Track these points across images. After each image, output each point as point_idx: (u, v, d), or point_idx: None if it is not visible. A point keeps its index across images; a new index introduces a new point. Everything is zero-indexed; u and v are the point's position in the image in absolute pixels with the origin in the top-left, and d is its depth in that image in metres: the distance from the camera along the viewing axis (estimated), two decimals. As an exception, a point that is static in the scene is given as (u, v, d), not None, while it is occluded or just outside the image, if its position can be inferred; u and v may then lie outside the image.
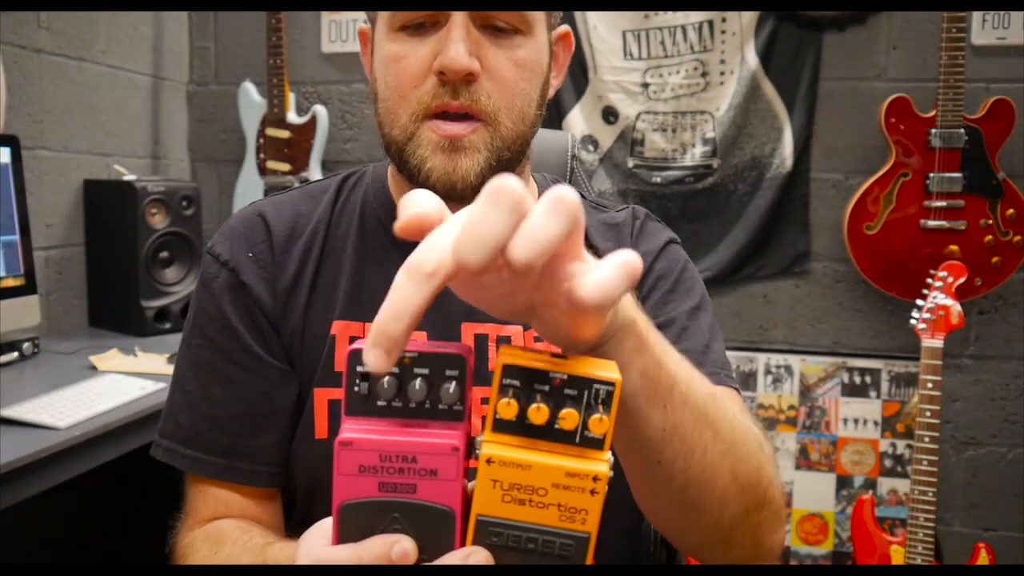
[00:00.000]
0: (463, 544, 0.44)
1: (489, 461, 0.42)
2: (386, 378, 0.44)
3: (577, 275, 0.40)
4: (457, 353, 0.44)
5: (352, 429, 0.44)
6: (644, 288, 0.85)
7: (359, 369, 0.44)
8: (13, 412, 1.34)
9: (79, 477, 1.36)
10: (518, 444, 0.43)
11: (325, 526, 0.47)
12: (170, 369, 1.70)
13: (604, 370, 0.43)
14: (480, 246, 0.37)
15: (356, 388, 0.44)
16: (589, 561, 0.42)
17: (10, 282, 1.70)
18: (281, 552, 0.69)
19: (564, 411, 0.42)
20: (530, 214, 0.38)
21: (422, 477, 0.43)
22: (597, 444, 0.42)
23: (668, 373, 0.53)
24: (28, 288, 1.74)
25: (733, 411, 0.61)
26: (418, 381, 0.44)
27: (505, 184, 0.37)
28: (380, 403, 0.44)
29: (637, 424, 0.53)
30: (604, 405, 0.42)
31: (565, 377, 0.42)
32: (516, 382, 0.42)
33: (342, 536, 0.44)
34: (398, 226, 0.41)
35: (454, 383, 0.44)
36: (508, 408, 0.42)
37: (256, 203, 0.88)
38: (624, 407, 0.52)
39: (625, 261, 0.40)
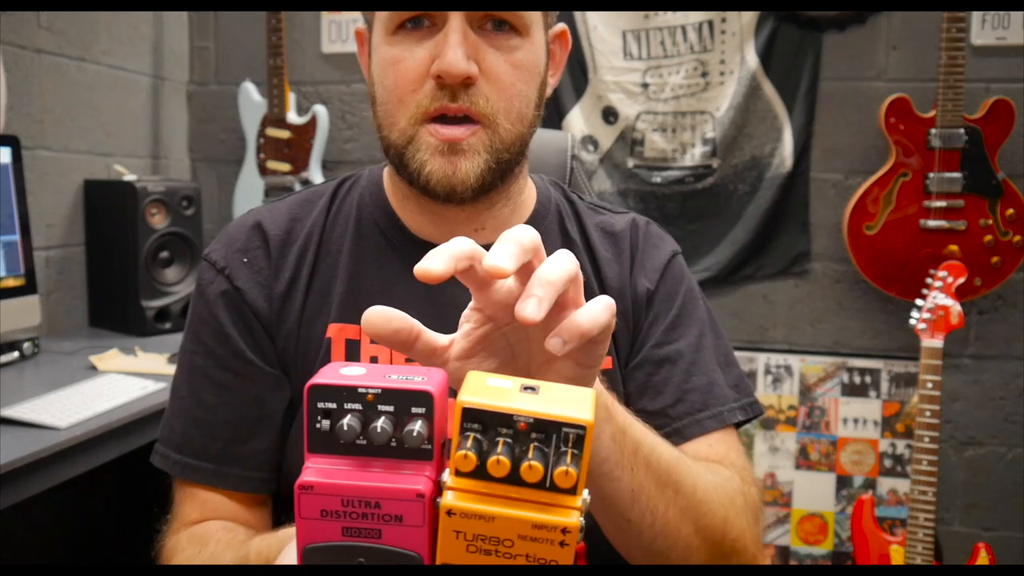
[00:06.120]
0: None
1: (450, 513, 0.40)
2: (348, 417, 0.41)
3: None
4: (423, 390, 0.41)
5: (313, 471, 0.41)
6: (650, 314, 0.85)
7: (320, 406, 0.41)
8: (13, 412, 1.34)
9: (79, 477, 1.36)
10: (483, 490, 0.40)
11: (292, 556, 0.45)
12: (170, 369, 1.71)
13: (576, 408, 0.40)
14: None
15: (318, 425, 0.42)
16: None
17: (10, 282, 1.70)
18: (263, 543, 0.69)
19: (525, 464, 0.39)
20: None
21: (387, 523, 0.41)
22: (569, 490, 0.40)
23: (632, 438, 0.60)
24: (28, 288, 1.74)
25: (698, 470, 0.68)
26: (381, 421, 0.41)
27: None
28: (343, 441, 0.42)
29: (608, 486, 0.60)
30: (575, 448, 0.39)
31: (531, 420, 0.39)
32: (477, 426, 0.39)
33: None
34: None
35: (420, 422, 0.41)
36: (466, 461, 0.39)
37: (253, 211, 0.88)
38: (598, 471, 0.58)
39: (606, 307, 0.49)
